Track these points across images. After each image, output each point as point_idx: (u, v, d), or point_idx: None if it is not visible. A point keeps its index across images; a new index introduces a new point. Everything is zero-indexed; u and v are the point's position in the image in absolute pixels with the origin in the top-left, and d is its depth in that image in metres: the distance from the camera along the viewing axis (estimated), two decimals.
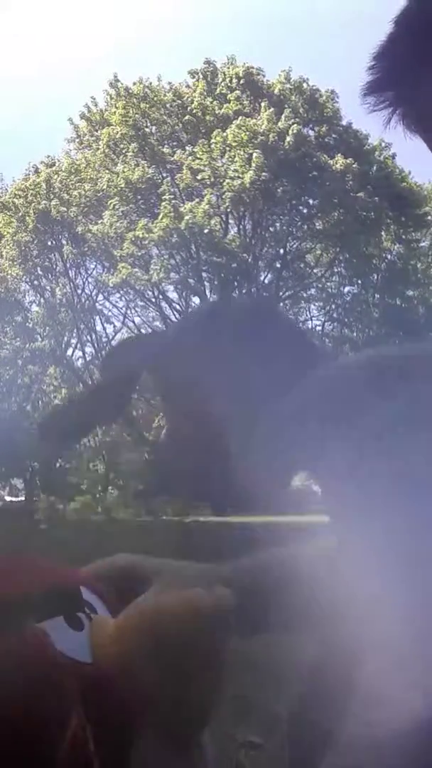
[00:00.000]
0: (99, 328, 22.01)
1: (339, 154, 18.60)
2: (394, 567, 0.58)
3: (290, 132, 18.37)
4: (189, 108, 19.85)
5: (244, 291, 20.27)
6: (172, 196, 18.77)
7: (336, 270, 21.18)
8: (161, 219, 18.12)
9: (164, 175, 19.72)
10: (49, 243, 20.47)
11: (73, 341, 22.43)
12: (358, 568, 0.61)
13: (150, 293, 20.61)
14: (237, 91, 19.68)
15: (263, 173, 17.98)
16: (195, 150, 19.00)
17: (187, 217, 18.00)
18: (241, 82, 20.01)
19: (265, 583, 0.77)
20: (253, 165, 17.94)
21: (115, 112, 20.14)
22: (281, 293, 20.67)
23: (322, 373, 0.74)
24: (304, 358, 0.76)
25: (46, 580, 0.68)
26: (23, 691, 0.56)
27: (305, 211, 19.91)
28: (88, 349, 22.23)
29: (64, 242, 20.24)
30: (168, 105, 20.26)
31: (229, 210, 19.14)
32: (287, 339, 0.79)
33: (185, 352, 0.79)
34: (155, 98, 20.31)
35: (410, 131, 0.68)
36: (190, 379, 0.77)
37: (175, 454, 0.83)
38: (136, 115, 20.13)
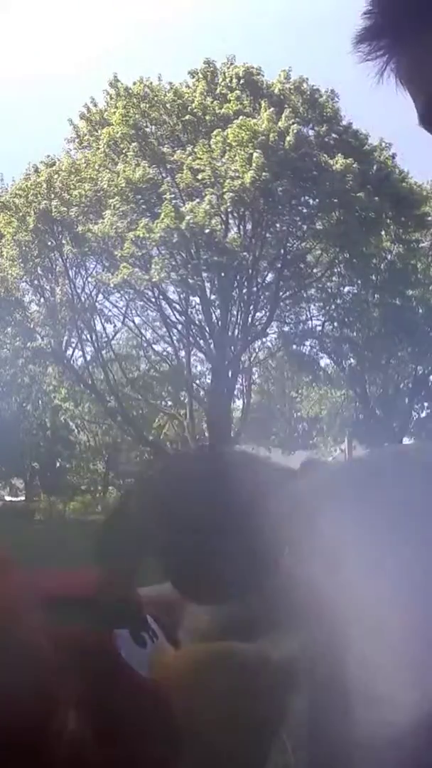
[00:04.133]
0: (99, 327, 22.03)
1: (339, 154, 18.59)
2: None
3: (290, 132, 18.36)
4: (189, 108, 19.84)
5: (244, 291, 20.27)
6: (173, 196, 18.76)
7: (336, 270, 21.16)
8: (162, 219, 18.11)
9: (164, 175, 19.71)
10: (50, 243, 20.45)
11: (73, 341, 22.44)
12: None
13: (150, 293, 20.61)
14: (237, 91, 19.67)
15: (263, 173, 17.97)
16: (195, 150, 18.99)
17: (187, 217, 17.99)
18: (241, 82, 20.01)
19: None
20: (253, 165, 17.93)
21: (115, 112, 20.12)
22: (281, 293, 20.67)
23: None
24: (255, 499, 0.83)
25: (118, 594, 0.70)
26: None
27: (305, 211, 19.90)
28: (88, 349, 22.25)
29: (64, 242, 20.23)
30: (168, 105, 20.25)
31: (229, 210, 19.13)
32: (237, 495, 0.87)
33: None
34: (155, 98, 20.30)
35: (403, 84, 0.64)
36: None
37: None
38: (137, 115, 20.12)
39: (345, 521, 0.64)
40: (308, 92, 19.86)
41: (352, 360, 22.84)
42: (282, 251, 20.16)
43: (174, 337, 22.06)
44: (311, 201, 19.69)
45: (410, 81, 0.62)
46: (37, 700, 0.56)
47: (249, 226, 19.84)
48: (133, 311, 22.31)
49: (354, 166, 18.50)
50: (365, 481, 0.71)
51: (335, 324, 21.79)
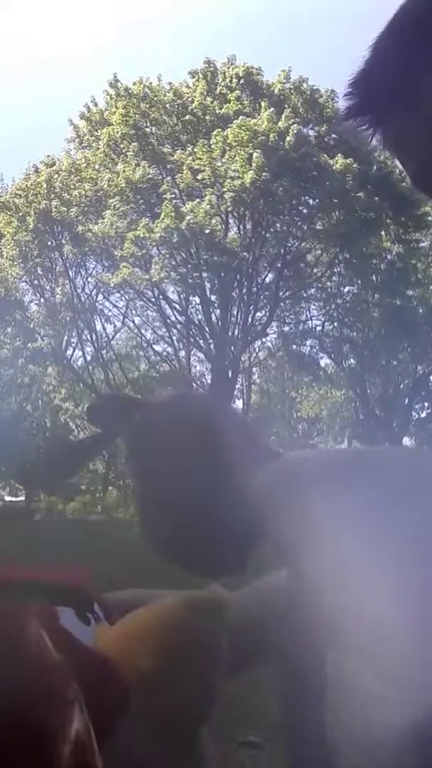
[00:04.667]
0: (99, 327, 22.05)
1: (339, 154, 18.60)
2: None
3: (290, 132, 18.37)
4: (189, 108, 19.86)
5: (244, 291, 20.27)
6: (173, 196, 18.77)
7: (336, 270, 21.17)
8: (162, 219, 18.12)
9: (164, 174, 19.72)
10: (50, 243, 20.47)
11: (73, 341, 22.46)
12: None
13: (150, 293, 20.62)
14: (237, 91, 19.68)
15: (263, 173, 17.98)
16: (195, 150, 19.00)
17: (188, 218, 18.00)
18: (241, 82, 20.02)
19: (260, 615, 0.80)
20: (253, 165, 17.94)
21: (115, 112, 20.13)
22: (281, 293, 20.67)
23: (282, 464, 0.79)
24: (254, 455, 0.80)
25: (61, 577, 0.71)
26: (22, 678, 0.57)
27: (305, 211, 19.91)
28: (88, 349, 22.27)
29: (64, 242, 20.25)
30: (168, 105, 20.26)
31: (229, 210, 19.14)
32: (239, 436, 0.84)
33: (152, 434, 0.85)
34: (155, 98, 20.31)
35: (390, 152, 0.70)
36: (153, 462, 0.83)
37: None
38: (137, 115, 20.13)
39: (337, 503, 0.64)
40: (308, 92, 19.87)
41: (352, 360, 22.85)
42: (282, 251, 20.18)
43: (174, 337, 22.07)
44: (311, 201, 19.70)
45: (396, 152, 0.69)
46: (40, 696, 0.56)
47: (249, 226, 19.86)
48: (133, 311, 22.34)
49: (354, 166, 18.50)
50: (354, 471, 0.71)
51: (335, 324, 21.80)
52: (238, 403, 24.23)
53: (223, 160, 18.63)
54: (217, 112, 19.46)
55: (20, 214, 20.05)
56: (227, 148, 18.52)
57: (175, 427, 0.85)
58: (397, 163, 0.71)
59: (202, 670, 0.71)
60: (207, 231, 18.18)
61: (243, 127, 18.36)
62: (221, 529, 0.76)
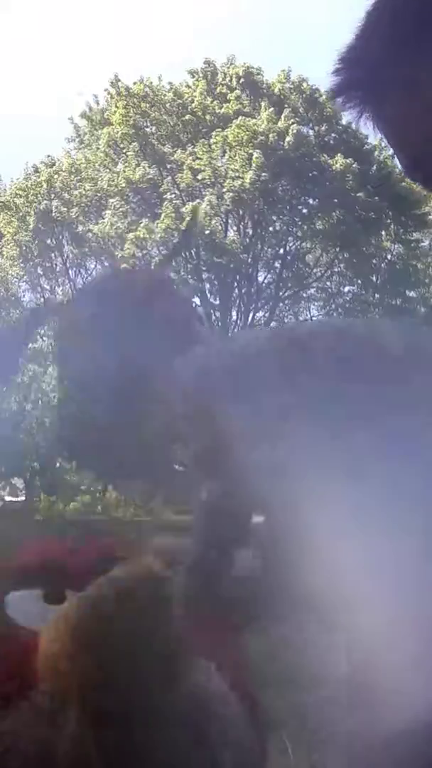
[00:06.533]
0: None
1: (339, 154, 18.59)
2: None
3: (290, 132, 18.36)
4: (189, 108, 19.85)
5: (243, 291, 20.26)
6: (173, 196, 18.76)
7: (336, 270, 21.16)
8: (162, 219, 18.12)
9: (165, 174, 19.72)
10: (50, 243, 20.46)
11: None
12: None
13: None
14: (237, 91, 19.67)
15: (263, 173, 17.97)
16: (195, 150, 19.00)
17: (188, 218, 17.99)
18: (241, 81, 20.01)
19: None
20: (253, 165, 17.93)
21: (115, 112, 20.13)
22: (281, 293, 20.66)
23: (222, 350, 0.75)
24: (188, 334, 0.78)
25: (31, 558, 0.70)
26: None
27: (305, 211, 19.90)
28: None
29: (64, 242, 20.23)
30: (168, 105, 20.25)
31: (229, 210, 19.13)
32: (174, 314, 0.81)
33: (79, 321, 0.82)
34: (155, 98, 20.30)
35: (378, 130, 0.66)
36: (80, 347, 0.80)
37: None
38: (137, 115, 20.13)
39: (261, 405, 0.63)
40: (308, 92, 19.86)
41: None
42: (282, 251, 20.16)
43: None
44: (311, 201, 19.69)
45: (387, 136, 0.65)
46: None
47: (249, 226, 19.85)
48: None
49: (354, 166, 18.49)
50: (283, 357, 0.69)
51: None
52: None
53: (223, 161, 18.63)
54: (217, 111, 19.46)
55: (20, 214, 20.03)
56: (227, 148, 18.52)
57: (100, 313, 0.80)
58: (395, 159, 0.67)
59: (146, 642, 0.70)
60: (207, 232, 18.17)
61: (243, 127, 18.36)
62: (130, 429, 0.74)
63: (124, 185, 19.00)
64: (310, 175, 18.68)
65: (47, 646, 0.67)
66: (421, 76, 0.57)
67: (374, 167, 19.66)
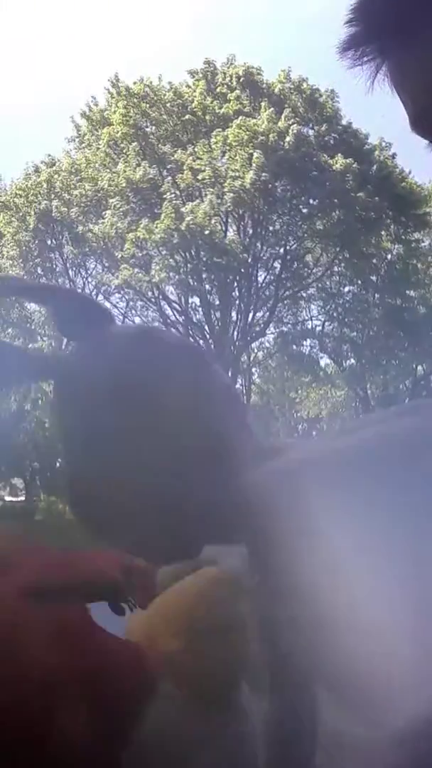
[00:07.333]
0: None
1: (339, 154, 18.59)
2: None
3: (290, 132, 18.36)
4: (189, 108, 19.85)
5: (243, 291, 20.26)
6: (173, 196, 18.75)
7: (336, 270, 21.16)
8: (162, 220, 18.11)
9: (165, 174, 19.71)
10: (50, 243, 20.46)
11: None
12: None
13: (150, 293, 20.60)
14: (237, 91, 19.67)
15: (263, 173, 17.97)
16: (196, 150, 18.99)
17: (188, 218, 17.99)
18: (241, 81, 20.00)
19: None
20: (254, 165, 17.93)
21: (115, 112, 20.13)
22: (280, 293, 20.66)
23: None
24: (245, 445, 0.78)
25: (92, 572, 0.70)
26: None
27: (305, 211, 19.89)
28: None
29: (64, 242, 20.23)
30: (168, 105, 20.25)
31: (229, 210, 19.12)
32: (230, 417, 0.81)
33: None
34: (156, 98, 20.30)
35: (396, 89, 0.60)
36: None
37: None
38: (137, 115, 20.12)
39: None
40: (308, 92, 19.86)
41: (352, 360, 22.83)
42: (282, 251, 20.16)
43: None
44: (311, 201, 19.68)
45: (399, 86, 0.60)
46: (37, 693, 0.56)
47: (249, 226, 19.84)
48: (133, 311, 22.31)
49: (354, 166, 18.49)
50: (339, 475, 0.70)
51: (335, 324, 21.78)
52: None
53: (223, 161, 18.62)
54: (217, 111, 19.45)
55: (20, 214, 20.04)
56: (227, 148, 18.51)
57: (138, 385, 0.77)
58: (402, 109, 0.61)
59: (229, 643, 0.72)
60: (207, 232, 18.17)
61: (243, 127, 18.35)
62: (190, 520, 0.73)
63: (124, 185, 18.99)
64: (310, 175, 18.68)
65: (164, 644, 0.69)
66: None
67: (374, 167, 19.66)
